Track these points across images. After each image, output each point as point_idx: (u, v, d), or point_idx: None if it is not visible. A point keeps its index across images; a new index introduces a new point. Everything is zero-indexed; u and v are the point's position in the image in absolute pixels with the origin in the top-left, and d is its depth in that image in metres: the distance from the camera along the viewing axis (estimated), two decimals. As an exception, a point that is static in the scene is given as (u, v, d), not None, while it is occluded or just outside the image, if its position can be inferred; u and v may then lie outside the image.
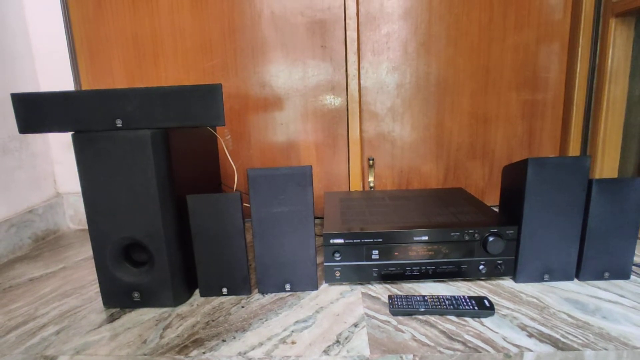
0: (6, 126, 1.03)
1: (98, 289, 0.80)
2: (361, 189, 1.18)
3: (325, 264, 0.75)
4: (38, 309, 0.73)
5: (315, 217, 0.93)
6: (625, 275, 0.75)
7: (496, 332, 0.60)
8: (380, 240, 0.73)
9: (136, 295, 0.71)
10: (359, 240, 0.74)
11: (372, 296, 0.72)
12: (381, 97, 1.14)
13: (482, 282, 0.76)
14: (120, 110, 0.64)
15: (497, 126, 1.15)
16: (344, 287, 0.76)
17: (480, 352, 0.56)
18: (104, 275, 0.70)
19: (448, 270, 0.75)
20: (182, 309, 0.71)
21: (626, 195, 0.71)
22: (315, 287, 0.75)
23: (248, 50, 1.12)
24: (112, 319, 0.69)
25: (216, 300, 0.73)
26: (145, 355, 0.58)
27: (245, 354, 0.57)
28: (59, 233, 1.19)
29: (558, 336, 0.58)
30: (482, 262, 0.74)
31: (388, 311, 0.67)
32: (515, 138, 1.15)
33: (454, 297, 0.67)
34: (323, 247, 0.74)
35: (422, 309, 0.65)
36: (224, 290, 0.74)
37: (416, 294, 0.72)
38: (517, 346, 0.56)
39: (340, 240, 0.74)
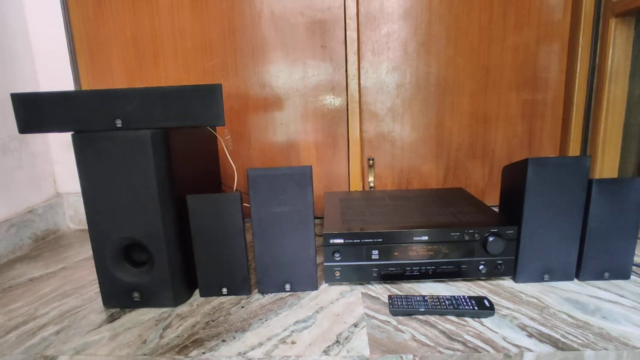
0: (6, 126, 1.03)
1: (98, 289, 0.80)
2: (361, 189, 1.18)
3: (325, 264, 0.75)
4: (38, 309, 0.73)
5: (315, 217, 0.93)
6: (625, 275, 0.75)
7: (496, 332, 0.60)
8: (380, 240, 0.73)
9: (136, 295, 0.71)
10: (358, 240, 0.74)
11: (372, 296, 0.72)
12: (381, 97, 1.14)
13: (482, 282, 0.76)
14: (120, 110, 0.64)
15: (497, 126, 1.15)
16: (344, 287, 0.76)
17: (480, 352, 0.56)
18: (104, 275, 0.70)
19: (448, 270, 0.75)
20: (182, 309, 0.71)
21: (626, 195, 0.71)
22: (315, 287, 0.75)
23: (248, 50, 1.12)
24: (112, 319, 0.69)
25: (216, 301, 0.73)
26: (145, 355, 0.58)
27: (245, 354, 0.57)
28: (59, 233, 1.19)
29: (558, 336, 0.58)
30: (482, 262, 0.74)
31: (388, 311, 0.67)
32: (515, 138, 1.15)
33: (454, 297, 0.67)
34: (323, 247, 0.74)
35: (422, 309, 0.65)
36: (224, 290, 0.74)
37: (416, 294, 0.72)
38: (517, 346, 0.56)
39: (340, 240, 0.74)
